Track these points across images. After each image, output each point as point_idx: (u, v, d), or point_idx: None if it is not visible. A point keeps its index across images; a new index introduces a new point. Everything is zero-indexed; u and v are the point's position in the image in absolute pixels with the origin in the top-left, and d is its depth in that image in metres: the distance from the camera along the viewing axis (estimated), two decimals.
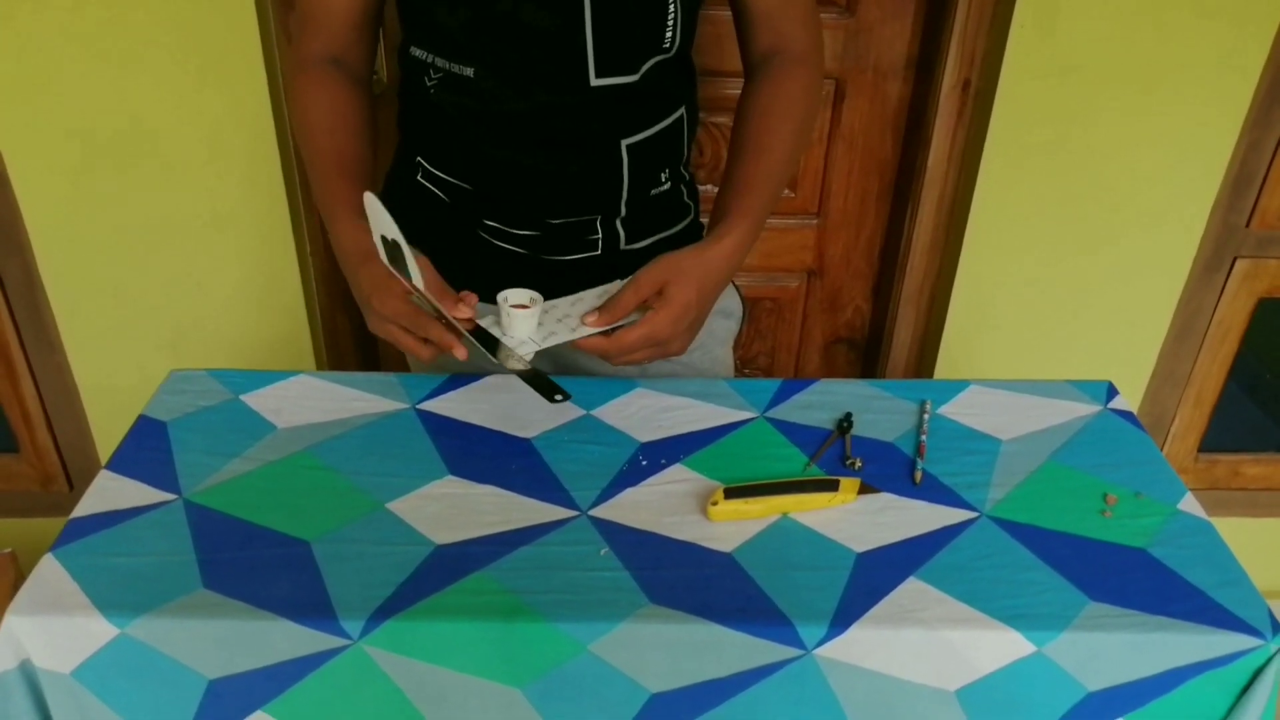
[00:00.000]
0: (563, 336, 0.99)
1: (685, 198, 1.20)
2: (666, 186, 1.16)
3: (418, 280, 0.92)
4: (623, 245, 1.16)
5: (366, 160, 1.08)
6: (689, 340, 1.02)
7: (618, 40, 1.01)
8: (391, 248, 0.92)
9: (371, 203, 0.91)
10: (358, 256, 0.99)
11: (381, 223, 0.91)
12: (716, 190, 1.10)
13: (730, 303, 1.25)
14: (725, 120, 1.66)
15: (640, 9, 1.01)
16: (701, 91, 1.19)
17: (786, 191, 1.77)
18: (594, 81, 1.03)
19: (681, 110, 1.13)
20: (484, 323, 0.99)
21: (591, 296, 1.04)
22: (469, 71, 1.03)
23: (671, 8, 1.01)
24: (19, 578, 1.73)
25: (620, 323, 0.99)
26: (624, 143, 1.08)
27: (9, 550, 1.72)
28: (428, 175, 1.14)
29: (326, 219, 1.05)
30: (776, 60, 1.10)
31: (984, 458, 1.04)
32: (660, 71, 1.06)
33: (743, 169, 1.07)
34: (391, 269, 0.95)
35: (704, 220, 1.17)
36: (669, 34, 1.03)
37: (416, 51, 1.07)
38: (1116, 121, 1.59)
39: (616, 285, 1.04)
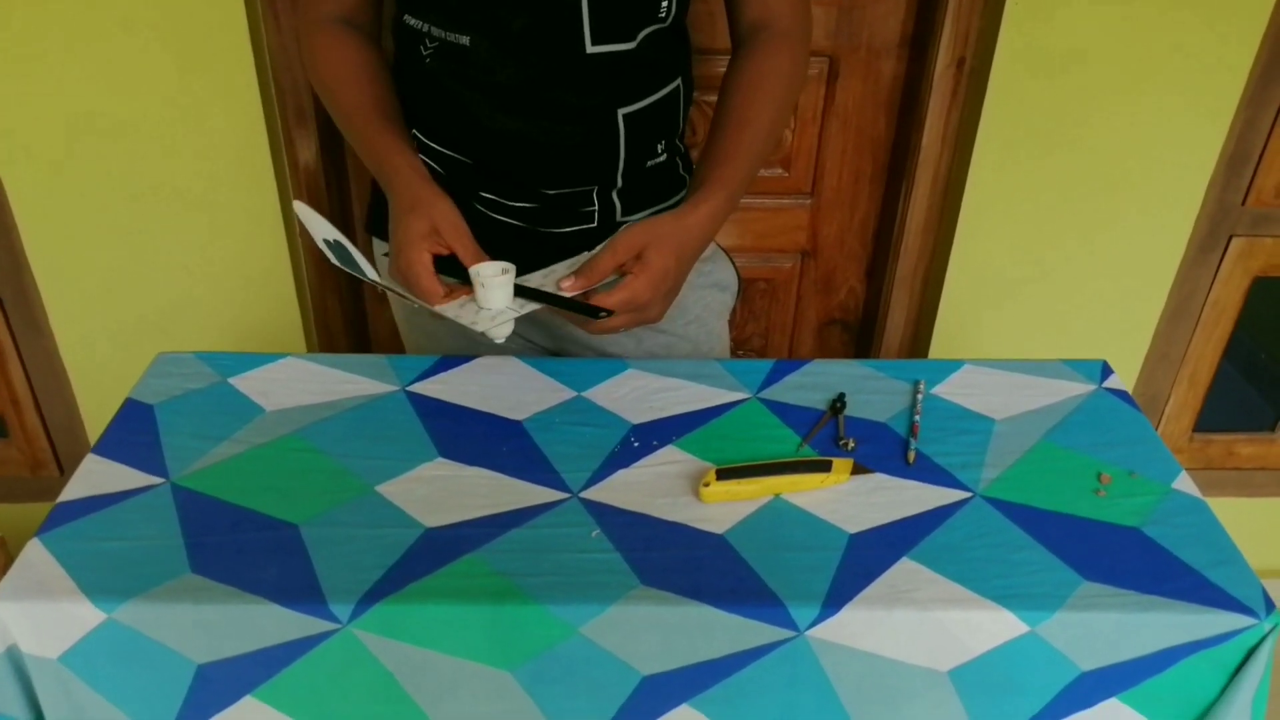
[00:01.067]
0: (541, 303, 0.98)
1: (680, 170, 1.20)
2: (662, 159, 1.15)
3: (371, 274, 0.93)
4: (618, 217, 1.15)
5: (399, 107, 1.09)
6: (666, 306, 1.02)
7: (613, 7, 1.01)
8: (336, 249, 0.93)
9: (304, 210, 0.95)
10: (403, 204, 1.00)
11: (320, 228, 0.93)
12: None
13: (725, 276, 1.25)
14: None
15: None
16: (695, 69, 1.18)
17: (779, 171, 1.76)
18: (590, 49, 1.02)
19: (678, 82, 1.13)
20: (449, 310, 0.98)
21: (562, 268, 1.04)
22: (465, 40, 1.02)
23: None
24: (8, 563, 1.72)
25: (596, 287, 0.98)
26: (621, 112, 1.07)
27: None
28: (423, 148, 1.13)
29: (377, 163, 1.05)
30: (763, 34, 1.09)
31: (978, 437, 1.04)
32: (656, 40, 1.06)
33: (723, 140, 1.06)
34: (343, 268, 0.96)
35: None
36: (664, 2, 1.03)
37: (411, 21, 1.06)
38: (1112, 100, 1.58)
39: (585, 257, 1.03)
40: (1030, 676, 0.87)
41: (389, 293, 1.02)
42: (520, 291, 0.99)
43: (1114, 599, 0.85)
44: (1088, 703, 0.89)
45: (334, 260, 0.95)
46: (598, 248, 1.00)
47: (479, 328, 0.96)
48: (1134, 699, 0.89)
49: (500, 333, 0.97)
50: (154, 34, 1.48)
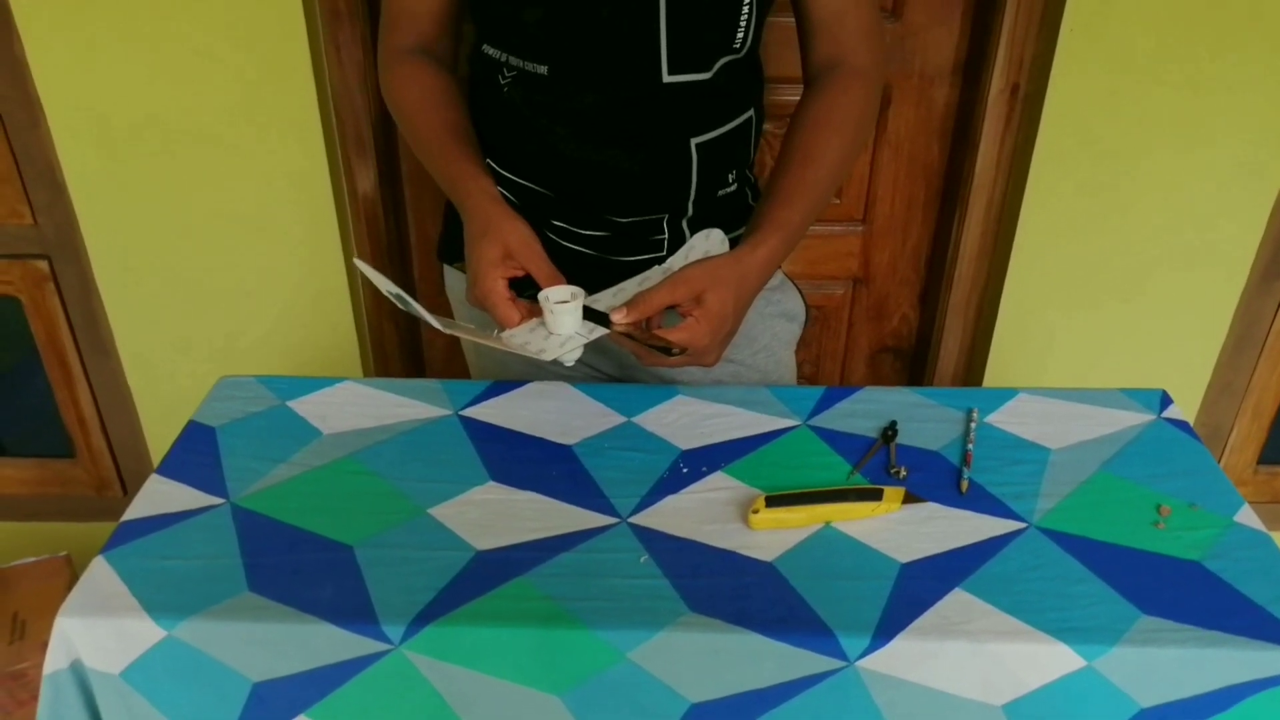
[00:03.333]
0: (604, 331, 0.99)
1: (750, 200, 1.20)
2: (733, 188, 1.16)
3: (432, 321, 0.95)
4: None
5: (474, 133, 1.11)
6: (722, 351, 1.02)
7: (691, 38, 1.01)
8: (399, 299, 0.95)
9: (364, 267, 0.97)
10: (477, 228, 1.02)
11: (381, 281, 0.96)
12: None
13: (793, 305, 1.25)
14: (774, 128, 1.65)
15: (714, 7, 1.01)
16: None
17: (832, 198, 1.76)
18: (666, 78, 1.03)
19: (750, 112, 1.13)
20: (516, 339, 0.99)
21: (633, 285, 1.05)
22: (543, 69, 1.04)
23: (745, 8, 1.01)
24: (75, 581, 1.76)
25: (650, 316, 0.99)
26: (694, 141, 1.08)
27: (65, 554, 1.76)
28: (496, 177, 1.14)
29: (451, 187, 1.07)
30: (835, 72, 1.08)
31: (1032, 467, 1.02)
32: (731, 71, 1.06)
33: (786, 178, 1.06)
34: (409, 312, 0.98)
35: None
36: (740, 34, 1.03)
37: (490, 50, 1.08)
38: (1169, 125, 1.55)
39: (656, 272, 1.03)
40: (1087, 713, 0.85)
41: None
42: (589, 315, 0.99)
43: (1175, 634, 0.83)
44: None
45: (401, 307, 0.98)
46: (656, 279, 1.01)
47: (547, 356, 0.97)
48: None
49: (571, 358, 0.97)
50: (219, 65, 1.53)
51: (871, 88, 1.09)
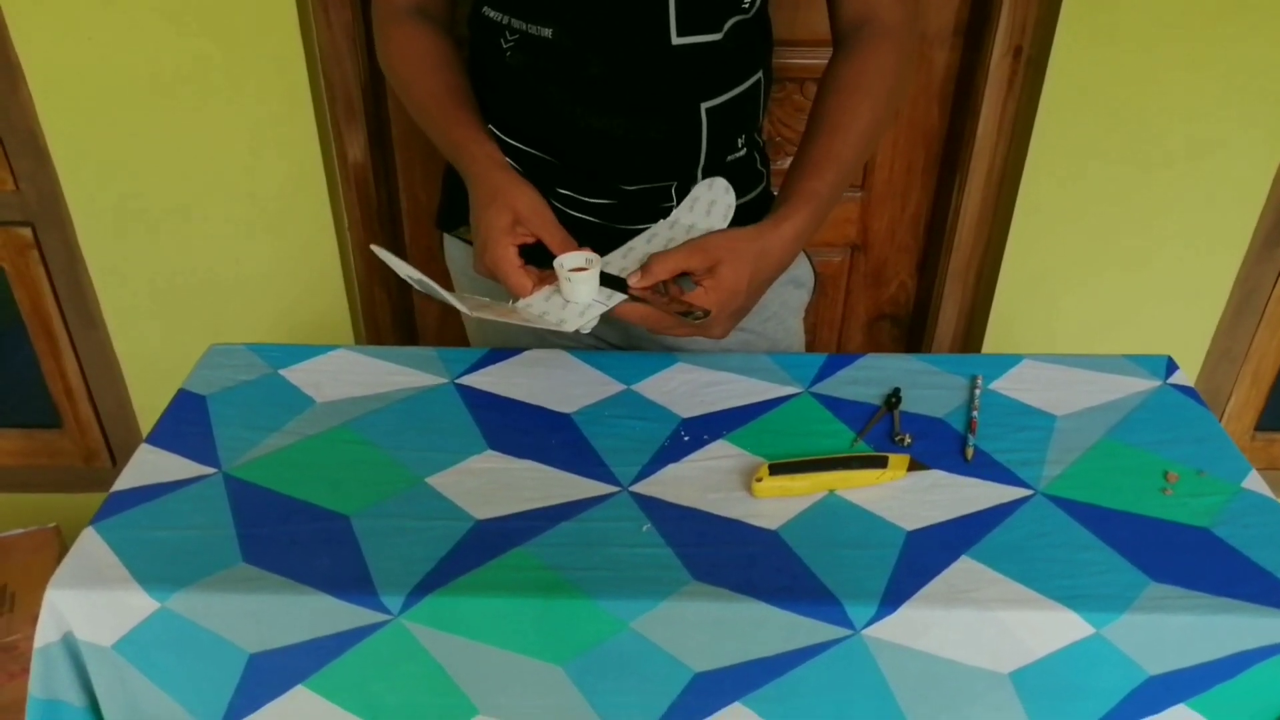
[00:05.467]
0: (623, 298, 0.95)
1: (758, 165, 1.17)
2: (742, 153, 1.13)
3: (455, 303, 0.91)
4: None
5: (474, 97, 1.08)
6: (731, 326, 0.99)
7: None
8: (421, 285, 0.91)
9: (383, 253, 0.92)
10: (483, 196, 0.99)
11: (400, 267, 0.92)
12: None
13: (802, 272, 1.22)
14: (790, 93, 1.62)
15: None
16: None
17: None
18: (675, 41, 1.00)
19: (759, 74, 1.10)
20: (534, 308, 0.96)
21: (641, 243, 1.03)
22: (547, 32, 1.01)
23: None
24: (64, 552, 1.74)
25: (664, 280, 0.96)
26: (704, 106, 1.05)
27: (54, 525, 1.74)
28: (500, 145, 1.11)
29: (454, 153, 1.04)
30: (865, 30, 1.04)
31: (1038, 434, 1.01)
32: (740, 31, 1.03)
33: (815, 148, 1.01)
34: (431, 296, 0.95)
35: (774, 190, 1.13)
36: None
37: (490, 13, 1.05)
38: (1173, 91, 1.53)
39: (662, 227, 1.00)
40: (1095, 680, 0.84)
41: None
42: (605, 280, 0.96)
43: (1183, 600, 0.82)
44: (1155, 708, 0.86)
45: (421, 291, 0.94)
46: (663, 234, 0.98)
47: (567, 326, 0.93)
48: (1203, 705, 0.85)
49: (589, 327, 0.94)
50: (204, 30, 1.49)
51: (904, 47, 1.05)
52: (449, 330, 1.94)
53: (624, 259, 1.01)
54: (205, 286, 1.72)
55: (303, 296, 1.73)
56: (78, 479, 1.97)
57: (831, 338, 1.95)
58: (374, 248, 0.95)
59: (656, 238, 1.03)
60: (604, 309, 0.95)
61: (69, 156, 1.60)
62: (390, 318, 1.84)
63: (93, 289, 1.73)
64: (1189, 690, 0.85)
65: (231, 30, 1.49)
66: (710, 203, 1.04)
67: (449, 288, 1.00)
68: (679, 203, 1.10)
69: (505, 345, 1.16)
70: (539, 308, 0.96)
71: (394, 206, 1.79)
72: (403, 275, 0.93)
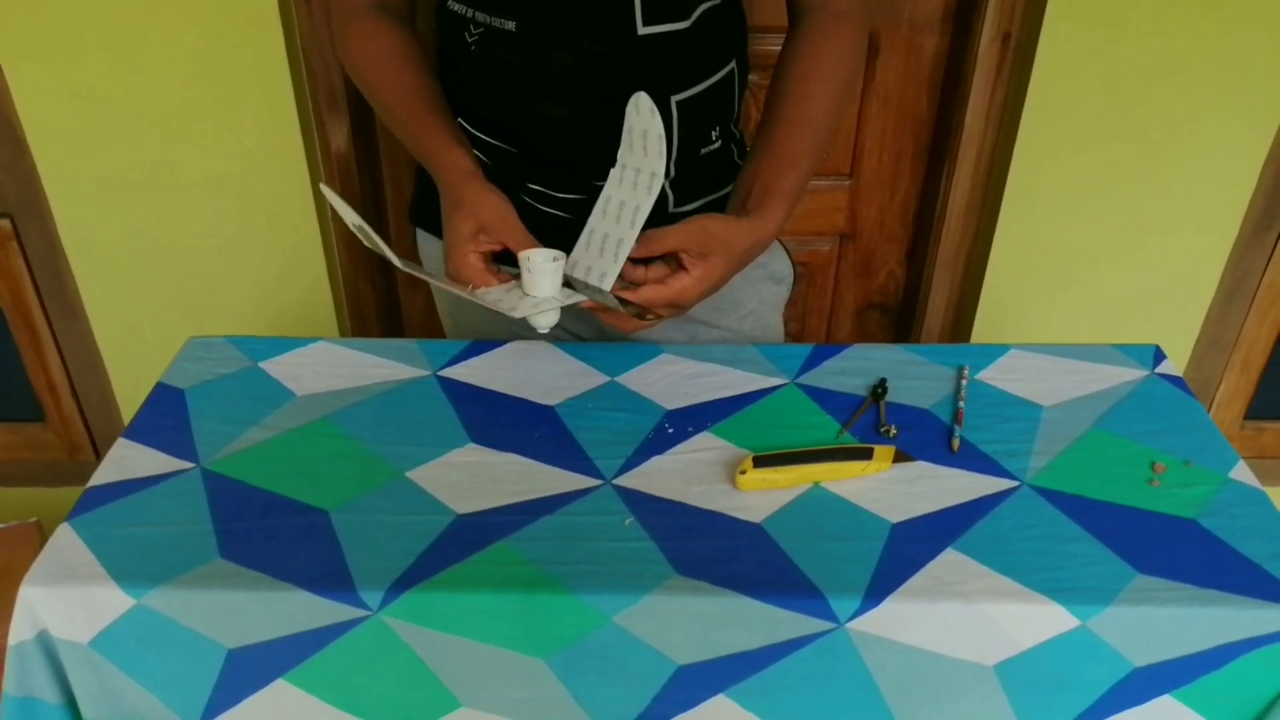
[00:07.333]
0: (584, 295, 0.96)
1: (735, 157, 1.15)
2: (717, 145, 1.11)
3: (394, 260, 0.91)
4: (670, 208, 1.11)
5: (441, 94, 1.06)
6: (699, 301, 0.99)
7: None
8: (362, 232, 0.91)
9: (331, 195, 0.92)
10: (449, 202, 0.98)
11: (346, 212, 0.92)
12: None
13: (781, 267, 1.21)
14: (759, 79, 1.61)
15: None
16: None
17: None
18: (641, 30, 0.98)
19: (732, 64, 1.08)
20: (490, 296, 0.96)
21: (596, 219, 1.00)
22: (510, 25, 0.99)
23: None
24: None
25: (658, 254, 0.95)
26: (674, 99, 1.04)
27: (35, 519, 1.72)
28: (470, 137, 1.10)
29: (424, 153, 1.03)
30: (819, 14, 1.04)
31: (1025, 424, 1.00)
32: (711, 19, 1.02)
33: (785, 142, 1.01)
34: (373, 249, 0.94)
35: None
36: None
37: (455, 6, 1.03)
38: (1164, 77, 1.52)
39: (612, 186, 0.98)
40: (1080, 672, 0.84)
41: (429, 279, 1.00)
42: (568, 283, 0.96)
43: (1170, 593, 0.82)
44: (1140, 700, 0.85)
45: (365, 242, 0.93)
46: (616, 197, 0.96)
47: (518, 314, 0.93)
48: (1189, 696, 0.85)
49: (543, 321, 0.94)
50: (184, 17, 1.47)
51: (858, 32, 1.05)
52: (435, 322, 1.93)
53: (587, 249, 0.99)
54: (188, 278, 1.71)
55: (286, 288, 1.72)
56: (61, 473, 1.96)
57: (820, 327, 1.95)
58: (323, 186, 0.94)
59: (610, 202, 0.99)
60: (559, 304, 0.94)
61: (48, 147, 1.58)
62: (375, 309, 1.83)
63: (73, 280, 1.72)
64: (1175, 682, 0.84)
65: (212, 19, 1.47)
66: (643, 133, 0.97)
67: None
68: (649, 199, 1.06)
69: (483, 337, 1.15)
70: (495, 295, 0.96)
71: (378, 198, 1.78)
72: (347, 221, 0.93)
